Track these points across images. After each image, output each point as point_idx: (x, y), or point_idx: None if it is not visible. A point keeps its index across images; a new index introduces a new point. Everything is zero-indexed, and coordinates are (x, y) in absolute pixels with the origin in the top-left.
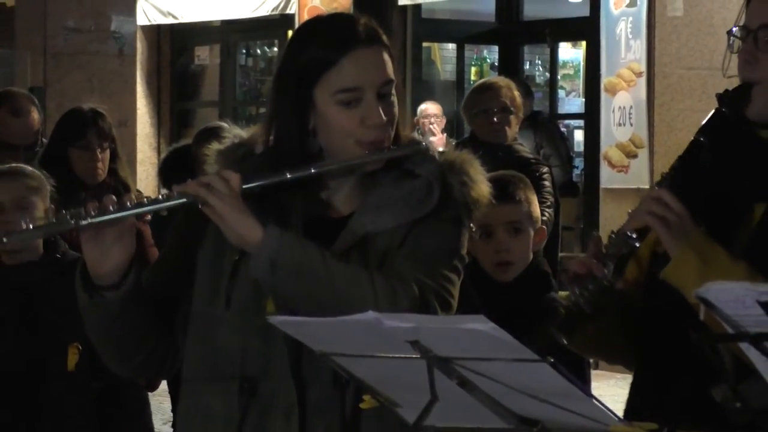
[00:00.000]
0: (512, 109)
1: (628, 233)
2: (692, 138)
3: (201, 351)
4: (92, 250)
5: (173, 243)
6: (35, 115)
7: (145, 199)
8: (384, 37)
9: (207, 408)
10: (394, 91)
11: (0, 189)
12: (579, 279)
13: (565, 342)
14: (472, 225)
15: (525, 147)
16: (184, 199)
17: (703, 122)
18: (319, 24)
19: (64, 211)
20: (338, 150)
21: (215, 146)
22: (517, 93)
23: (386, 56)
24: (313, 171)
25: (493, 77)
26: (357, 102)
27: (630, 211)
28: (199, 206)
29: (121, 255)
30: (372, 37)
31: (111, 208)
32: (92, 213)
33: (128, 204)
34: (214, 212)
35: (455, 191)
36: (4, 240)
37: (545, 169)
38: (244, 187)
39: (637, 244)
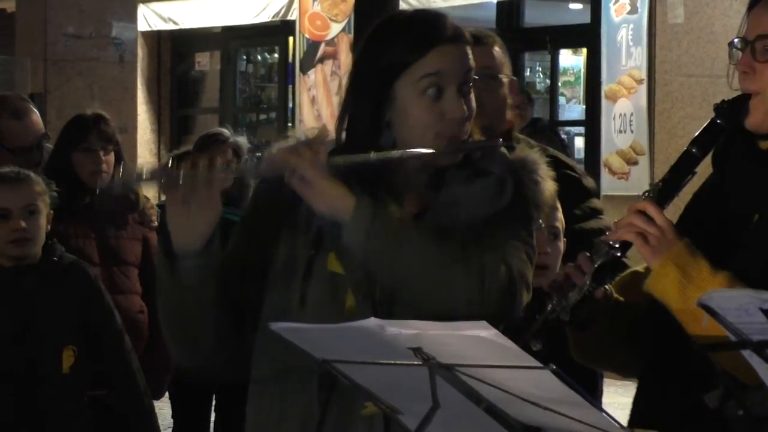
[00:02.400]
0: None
1: (611, 243)
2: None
3: (275, 348)
4: (178, 215)
5: (242, 242)
6: (36, 116)
7: (236, 165)
8: (468, 36)
9: (283, 405)
10: (472, 87)
11: (8, 195)
12: (558, 287)
13: (537, 349)
14: (541, 223)
15: None
16: (272, 168)
17: (697, 133)
18: (407, 20)
19: (170, 166)
20: (416, 144)
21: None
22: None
23: (470, 52)
24: (397, 154)
25: None
26: (439, 95)
27: (616, 221)
28: (285, 179)
29: (206, 221)
30: (458, 35)
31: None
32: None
33: (219, 166)
34: (303, 181)
35: (528, 189)
36: (116, 179)
37: None
38: (330, 160)
39: (618, 254)
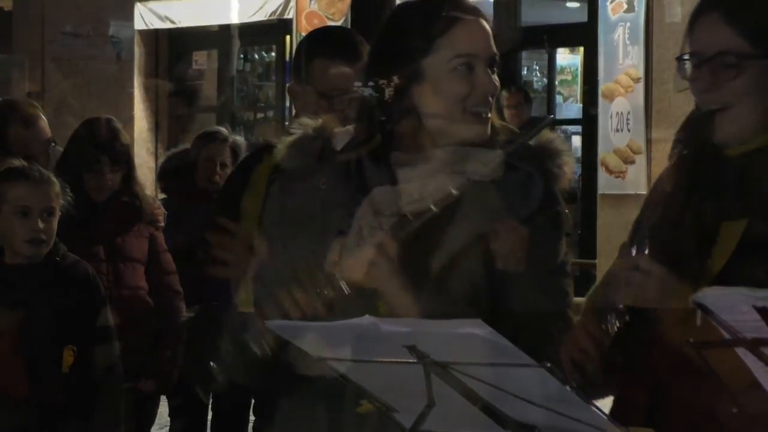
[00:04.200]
0: None
1: (618, 307)
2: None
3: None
4: None
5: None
6: (44, 122)
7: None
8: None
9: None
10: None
11: (31, 193)
12: (577, 363)
13: None
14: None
15: None
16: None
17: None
18: (424, 2)
19: None
20: (442, 119)
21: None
22: None
23: (490, 30)
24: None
25: None
26: (470, 71)
27: (608, 272)
28: None
29: None
30: (478, 9)
31: None
32: None
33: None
34: None
35: (554, 180)
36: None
37: None
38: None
39: (628, 318)
